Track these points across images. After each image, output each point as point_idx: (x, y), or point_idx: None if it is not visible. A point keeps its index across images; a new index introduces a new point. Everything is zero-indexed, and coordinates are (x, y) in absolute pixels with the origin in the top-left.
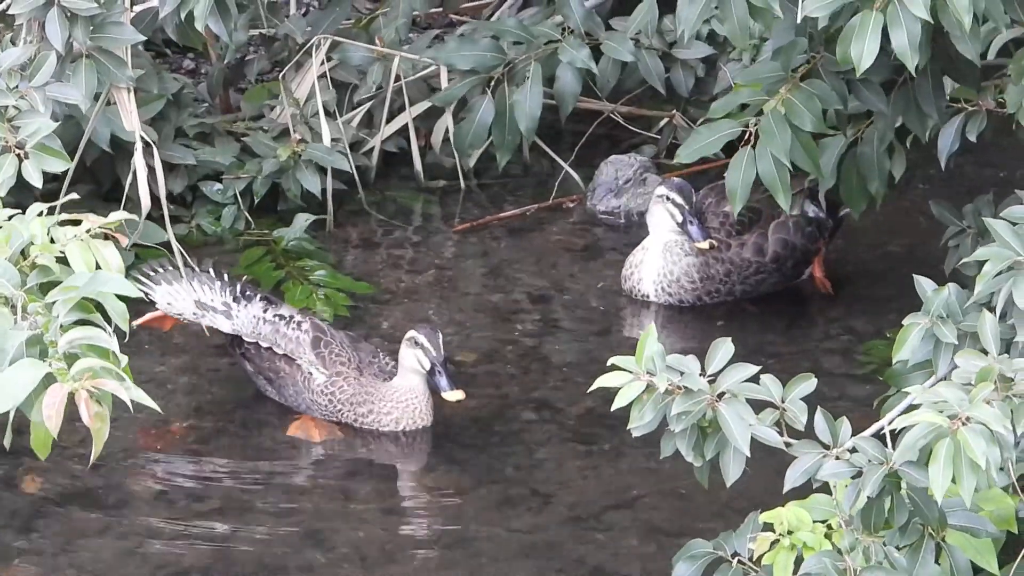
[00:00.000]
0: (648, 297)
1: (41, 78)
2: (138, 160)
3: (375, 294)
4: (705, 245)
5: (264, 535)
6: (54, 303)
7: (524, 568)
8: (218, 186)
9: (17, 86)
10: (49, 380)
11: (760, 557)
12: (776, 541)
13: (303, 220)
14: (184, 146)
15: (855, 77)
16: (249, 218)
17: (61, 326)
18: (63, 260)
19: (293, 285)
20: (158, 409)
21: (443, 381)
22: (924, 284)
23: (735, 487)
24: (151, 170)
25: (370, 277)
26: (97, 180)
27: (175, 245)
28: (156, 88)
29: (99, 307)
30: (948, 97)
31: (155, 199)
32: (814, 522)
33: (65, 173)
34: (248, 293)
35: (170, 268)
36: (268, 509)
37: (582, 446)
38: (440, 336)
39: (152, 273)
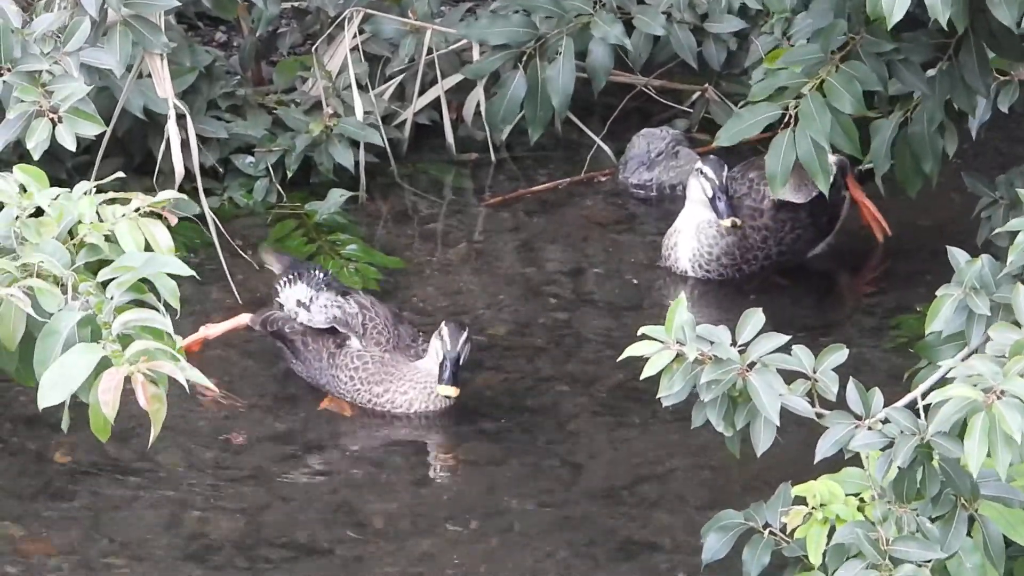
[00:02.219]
0: (686, 273)
1: (75, 44)
2: (171, 128)
3: (406, 267)
4: (727, 223)
5: (295, 507)
6: (106, 283)
7: (555, 540)
8: (250, 159)
9: (50, 52)
10: (104, 364)
11: (793, 530)
12: (809, 514)
13: (337, 196)
14: (216, 119)
15: (896, 58)
16: (281, 191)
17: (115, 308)
18: (110, 239)
19: (324, 259)
20: (214, 388)
21: (445, 375)
22: (958, 255)
23: (766, 460)
24: (184, 142)
25: (401, 250)
26: (128, 153)
27: (210, 217)
28: (188, 61)
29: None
30: None
31: (187, 172)
32: (846, 495)
33: (97, 146)
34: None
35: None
36: (299, 481)
37: (613, 419)
38: (462, 336)
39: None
